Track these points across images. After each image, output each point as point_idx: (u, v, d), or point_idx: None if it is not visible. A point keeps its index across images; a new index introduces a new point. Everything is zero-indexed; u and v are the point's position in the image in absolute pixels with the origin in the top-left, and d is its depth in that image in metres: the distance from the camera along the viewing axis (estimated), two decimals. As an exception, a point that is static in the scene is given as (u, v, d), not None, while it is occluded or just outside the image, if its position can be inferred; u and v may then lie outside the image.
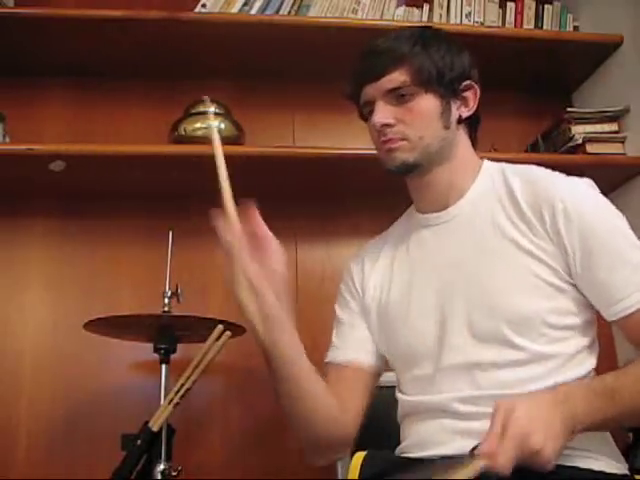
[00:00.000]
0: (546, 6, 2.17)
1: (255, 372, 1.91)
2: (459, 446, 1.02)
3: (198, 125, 1.88)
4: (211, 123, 1.87)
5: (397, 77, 1.11)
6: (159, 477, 1.46)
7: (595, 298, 1.06)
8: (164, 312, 1.61)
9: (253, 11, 1.95)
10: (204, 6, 1.95)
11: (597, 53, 2.09)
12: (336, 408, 1.13)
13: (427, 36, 1.16)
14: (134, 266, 1.97)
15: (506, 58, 2.01)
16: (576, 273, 1.06)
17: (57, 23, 1.81)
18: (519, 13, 2.15)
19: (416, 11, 2.09)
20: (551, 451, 0.87)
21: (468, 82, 1.16)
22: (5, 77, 1.97)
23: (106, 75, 2.03)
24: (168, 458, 1.49)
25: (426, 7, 2.10)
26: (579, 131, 1.98)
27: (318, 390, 1.10)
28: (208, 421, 1.91)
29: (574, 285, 1.07)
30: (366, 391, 1.21)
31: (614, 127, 2.01)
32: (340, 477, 1.58)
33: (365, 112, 1.18)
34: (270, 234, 1.01)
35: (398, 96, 1.12)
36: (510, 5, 2.15)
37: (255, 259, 0.97)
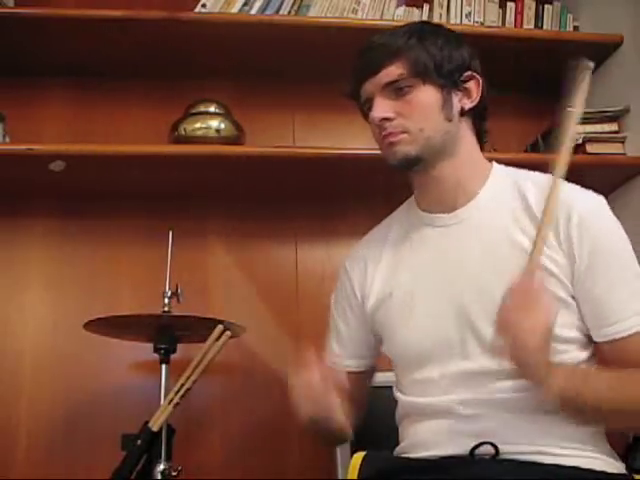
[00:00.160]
0: (546, 6, 2.17)
1: (255, 372, 1.92)
2: (459, 446, 1.02)
3: (198, 125, 1.88)
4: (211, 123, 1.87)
5: (394, 70, 1.10)
6: (159, 477, 1.46)
7: (588, 315, 1.06)
8: (164, 312, 1.61)
9: (253, 11, 1.95)
10: (204, 6, 1.95)
11: (597, 53, 2.08)
12: (349, 409, 1.20)
13: (423, 29, 1.15)
14: (134, 266, 1.96)
15: (506, 58, 2.00)
16: (576, 286, 1.06)
17: (57, 23, 1.81)
18: (519, 13, 2.15)
19: (416, 11, 2.09)
20: (528, 359, 0.93)
21: (469, 73, 1.14)
22: (5, 77, 1.97)
23: (106, 75, 2.03)
24: (168, 458, 1.49)
25: (426, 7, 2.10)
26: (579, 131, 1.98)
27: (344, 419, 1.18)
28: (208, 421, 1.91)
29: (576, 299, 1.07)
30: (367, 385, 1.30)
31: (614, 127, 2.01)
32: (340, 477, 1.58)
33: (365, 109, 1.16)
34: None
35: (396, 89, 1.10)
36: (510, 5, 2.15)
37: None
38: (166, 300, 1.63)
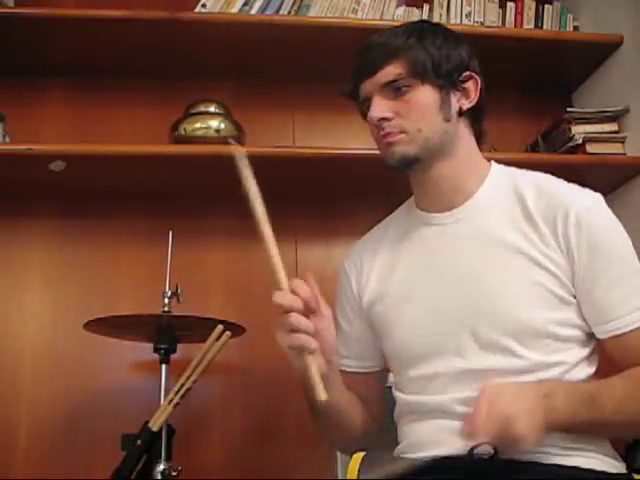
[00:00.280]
0: (546, 6, 2.17)
1: (255, 372, 1.92)
2: (457, 446, 1.02)
3: (198, 125, 1.88)
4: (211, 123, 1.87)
5: (392, 70, 1.10)
6: (159, 477, 1.46)
7: (588, 313, 1.07)
8: (164, 312, 1.61)
9: (253, 11, 1.95)
10: (204, 6, 1.95)
11: (597, 53, 2.08)
12: (363, 412, 1.22)
13: (422, 29, 1.15)
14: (134, 266, 1.96)
15: (506, 58, 2.00)
16: (577, 285, 1.06)
17: (57, 23, 1.81)
18: (519, 13, 2.15)
19: (416, 11, 2.09)
20: (532, 439, 0.90)
21: (467, 73, 1.14)
22: (5, 77, 1.97)
23: (106, 75, 2.03)
24: (168, 458, 1.49)
25: (426, 7, 2.10)
26: (579, 131, 1.97)
27: (355, 414, 1.19)
28: (208, 421, 1.91)
29: (576, 297, 1.07)
30: (381, 384, 1.28)
31: (614, 127, 2.01)
32: (340, 477, 1.58)
33: (364, 109, 1.15)
34: (320, 298, 1.05)
35: (395, 89, 1.10)
36: (510, 5, 2.15)
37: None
38: (166, 300, 1.63)
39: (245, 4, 1.96)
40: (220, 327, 1.39)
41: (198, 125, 1.88)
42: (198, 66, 2.04)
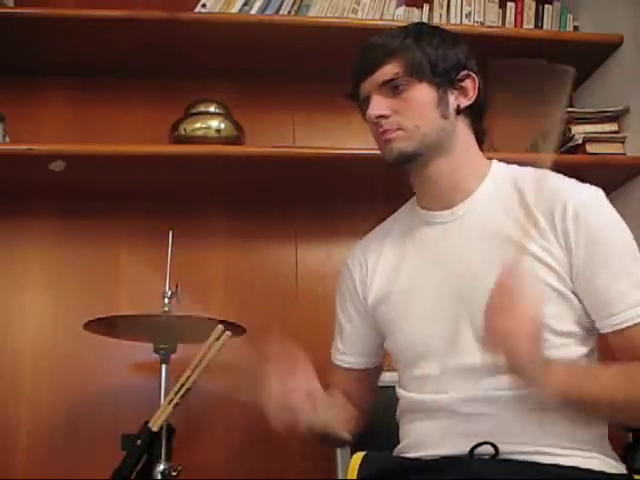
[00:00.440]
0: (546, 6, 2.17)
1: (255, 372, 1.91)
2: (458, 446, 1.02)
3: (198, 125, 1.88)
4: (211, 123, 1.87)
5: (390, 69, 1.12)
6: (159, 477, 1.46)
7: (590, 307, 1.07)
8: (164, 312, 1.61)
9: (253, 11, 1.95)
10: (204, 6, 1.95)
11: (597, 53, 2.08)
12: (351, 411, 1.26)
13: (420, 30, 1.17)
14: (134, 266, 1.96)
15: (506, 58, 2.00)
16: (577, 282, 1.06)
17: (57, 23, 1.81)
18: (519, 13, 2.15)
19: (416, 11, 2.09)
20: (521, 364, 0.93)
21: (465, 72, 1.15)
22: (5, 77, 1.97)
23: (106, 75, 2.03)
24: (168, 458, 1.49)
25: (426, 7, 2.10)
26: (579, 131, 1.97)
27: (340, 417, 1.22)
28: (208, 421, 1.91)
29: (575, 292, 1.07)
30: (373, 384, 1.31)
31: (614, 127, 2.01)
32: (340, 477, 1.58)
33: (364, 108, 1.17)
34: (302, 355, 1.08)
35: (393, 88, 1.13)
36: (510, 5, 2.15)
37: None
38: (166, 300, 1.63)
39: (245, 4, 1.96)
40: (220, 327, 1.39)
41: (198, 125, 1.88)
42: (198, 66, 2.04)
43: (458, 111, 1.15)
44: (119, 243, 1.98)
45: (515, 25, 2.14)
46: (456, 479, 1.00)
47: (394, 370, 1.24)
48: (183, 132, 1.88)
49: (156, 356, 1.58)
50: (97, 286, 1.95)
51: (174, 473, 1.48)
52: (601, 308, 1.05)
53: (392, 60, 1.12)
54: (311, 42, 1.94)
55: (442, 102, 1.13)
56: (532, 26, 2.14)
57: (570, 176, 1.14)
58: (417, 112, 1.12)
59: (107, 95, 2.05)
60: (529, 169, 1.16)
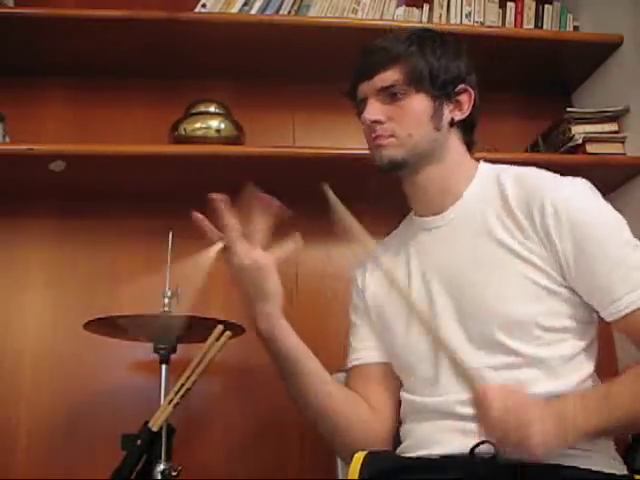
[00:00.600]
0: (546, 6, 2.17)
1: (255, 372, 1.91)
2: (459, 445, 1.02)
3: (198, 125, 1.88)
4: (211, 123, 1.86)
5: (390, 76, 1.13)
6: (159, 477, 1.46)
7: (592, 300, 1.07)
8: (164, 312, 1.61)
9: (253, 11, 1.95)
10: (204, 6, 1.95)
11: (597, 53, 2.08)
12: (366, 410, 1.20)
13: (424, 37, 1.17)
14: (134, 266, 1.96)
15: (506, 58, 2.00)
16: (571, 277, 1.06)
17: (57, 23, 1.81)
18: (519, 13, 2.15)
19: (416, 11, 2.09)
20: (543, 447, 0.90)
21: (463, 86, 1.17)
22: (5, 77, 1.97)
23: (106, 75, 2.03)
24: (168, 458, 1.49)
25: (426, 7, 2.10)
26: (579, 131, 1.97)
27: (332, 391, 1.17)
28: (208, 421, 1.91)
29: (568, 287, 1.07)
30: (395, 385, 1.23)
31: (614, 127, 2.01)
32: (340, 477, 1.58)
33: (360, 109, 1.19)
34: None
35: (390, 94, 1.14)
36: (510, 5, 2.15)
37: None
38: (166, 300, 1.63)
39: (245, 4, 1.96)
40: (220, 327, 1.39)
41: (198, 125, 1.88)
42: (198, 66, 2.04)
43: (451, 124, 1.17)
44: (119, 243, 1.98)
45: (515, 25, 2.14)
46: (457, 478, 1.00)
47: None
48: (183, 132, 1.87)
49: (156, 356, 1.58)
50: (97, 286, 1.94)
51: (174, 473, 1.48)
52: (602, 297, 1.05)
53: (393, 66, 1.13)
54: (311, 42, 1.94)
55: (437, 114, 1.14)
56: (532, 26, 2.14)
57: (570, 176, 1.14)
58: (412, 121, 1.13)
59: (107, 95, 2.05)
60: (512, 167, 1.18)
